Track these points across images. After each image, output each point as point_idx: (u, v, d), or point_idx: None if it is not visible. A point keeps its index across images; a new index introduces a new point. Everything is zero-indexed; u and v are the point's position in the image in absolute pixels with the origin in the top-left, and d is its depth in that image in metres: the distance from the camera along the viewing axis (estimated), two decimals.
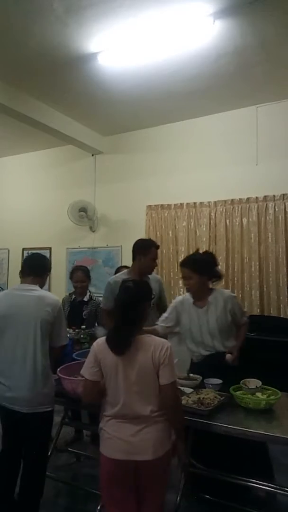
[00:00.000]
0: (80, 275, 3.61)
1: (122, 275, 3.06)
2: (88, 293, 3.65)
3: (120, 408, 1.73)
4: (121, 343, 1.74)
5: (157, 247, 3.14)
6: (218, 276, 2.72)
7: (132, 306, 1.80)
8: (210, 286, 2.71)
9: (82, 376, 1.86)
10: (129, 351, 1.73)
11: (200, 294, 2.65)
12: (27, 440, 2.22)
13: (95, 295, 3.72)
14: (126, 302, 1.82)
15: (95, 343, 1.85)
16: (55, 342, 2.28)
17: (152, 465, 1.71)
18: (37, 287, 2.30)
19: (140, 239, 3.24)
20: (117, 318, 1.83)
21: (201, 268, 2.62)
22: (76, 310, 3.54)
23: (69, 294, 3.72)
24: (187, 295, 2.74)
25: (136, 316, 1.81)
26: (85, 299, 3.61)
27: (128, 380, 1.72)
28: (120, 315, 1.81)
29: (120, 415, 1.74)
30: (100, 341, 1.83)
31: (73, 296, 3.65)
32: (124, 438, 1.71)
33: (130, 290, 1.84)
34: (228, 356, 2.55)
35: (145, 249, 3.05)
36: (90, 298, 3.63)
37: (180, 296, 2.90)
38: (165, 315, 2.80)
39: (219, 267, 4.46)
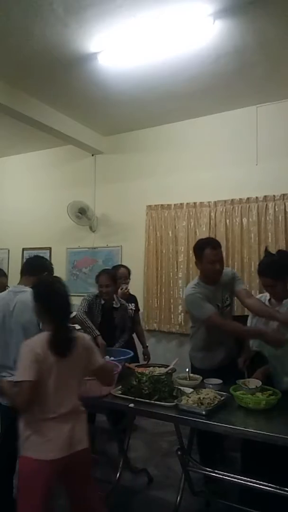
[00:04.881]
0: (104, 278, 3.33)
1: (196, 285, 2.72)
2: (116, 297, 3.46)
3: (56, 407, 1.73)
4: (67, 344, 1.75)
5: (214, 246, 2.68)
6: None
7: (69, 307, 1.84)
8: None
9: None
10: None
11: (281, 297, 2.55)
12: None
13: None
14: (66, 305, 1.83)
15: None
16: None
17: (87, 452, 1.82)
18: (26, 288, 2.32)
19: (198, 240, 2.84)
20: (58, 321, 1.78)
21: (284, 273, 2.47)
22: (107, 317, 3.35)
23: (95, 295, 3.39)
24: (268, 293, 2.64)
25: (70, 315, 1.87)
26: (115, 305, 3.40)
27: (61, 379, 1.74)
28: (61, 318, 1.80)
29: (56, 414, 1.72)
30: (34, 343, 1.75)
31: (102, 301, 3.36)
32: (66, 434, 1.73)
33: (61, 292, 1.84)
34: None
35: (199, 253, 2.69)
36: (120, 303, 3.46)
37: (259, 295, 2.81)
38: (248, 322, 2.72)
39: None
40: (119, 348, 3.23)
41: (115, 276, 3.44)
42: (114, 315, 3.38)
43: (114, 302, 3.39)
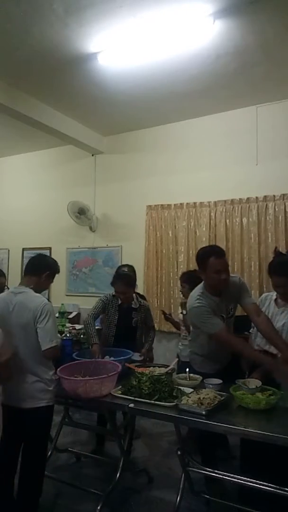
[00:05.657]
0: (118, 286, 3.21)
1: (201, 296, 2.55)
2: (136, 297, 3.34)
3: None
4: None
5: (219, 255, 2.50)
6: None
7: None
8: None
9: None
10: None
11: None
12: (25, 437, 2.22)
13: (100, 294, 3.52)
14: None
15: None
16: (41, 345, 2.21)
17: None
18: (26, 289, 2.32)
19: (200, 249, 2.70)
20: None
21: None
22: (125, 317, 3.25)
23: (113, 295, 3.28)
24: (274, 292, 2.61)
25: None
26: (134, 305, 3.29)
27: None
28: None
29: None
30: None
31: (119, 301, 3.26)
32: None
33: None
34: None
35: (202, 262, 2.52)
36: (140, 304, 3.33)
37: (265, 294, 2.78)
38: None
39: None
40: (149, 348, 3.31)
41: (131, 280, 3.32)
42: (133, 315, 3.28)
43: (133, 302, 3.30)
